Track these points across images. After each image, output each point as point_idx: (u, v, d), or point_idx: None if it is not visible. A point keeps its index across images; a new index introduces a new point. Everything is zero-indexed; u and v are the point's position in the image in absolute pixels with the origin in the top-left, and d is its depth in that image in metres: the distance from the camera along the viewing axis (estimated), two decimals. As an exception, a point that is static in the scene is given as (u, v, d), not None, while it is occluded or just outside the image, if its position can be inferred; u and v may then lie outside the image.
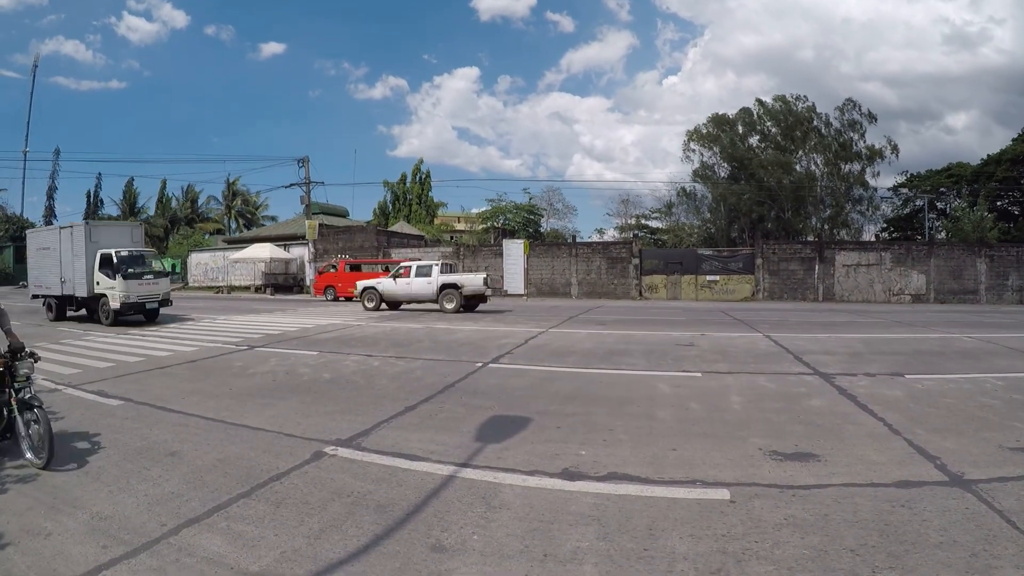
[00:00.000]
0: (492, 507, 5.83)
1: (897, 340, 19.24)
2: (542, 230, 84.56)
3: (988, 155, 72.59)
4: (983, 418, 9.25)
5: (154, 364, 14.46)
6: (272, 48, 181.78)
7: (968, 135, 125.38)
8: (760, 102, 74.11)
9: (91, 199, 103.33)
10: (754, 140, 74.57)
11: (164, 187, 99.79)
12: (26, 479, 6.67)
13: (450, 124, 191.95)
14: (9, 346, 7.49)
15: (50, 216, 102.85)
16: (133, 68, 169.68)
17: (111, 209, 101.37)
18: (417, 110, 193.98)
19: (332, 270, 44.79)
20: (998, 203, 68.21)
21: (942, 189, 74.90)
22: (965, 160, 77.79)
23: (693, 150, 75.75)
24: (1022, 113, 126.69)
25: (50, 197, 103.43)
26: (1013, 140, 71.12)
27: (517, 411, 9.73)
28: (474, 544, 5.06)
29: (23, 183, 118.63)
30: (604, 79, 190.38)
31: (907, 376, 12.70)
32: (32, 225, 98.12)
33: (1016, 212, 67.54)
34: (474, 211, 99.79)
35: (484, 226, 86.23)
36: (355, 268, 44.33)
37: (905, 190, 77.78)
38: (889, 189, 76.56)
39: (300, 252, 57.92)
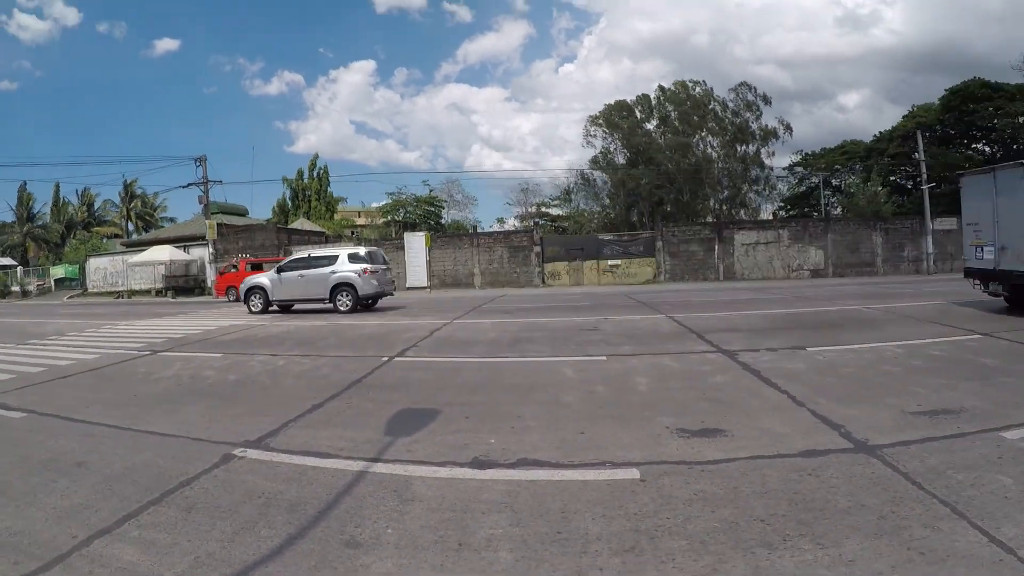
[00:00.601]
0: (404, 500, 5.78)
1: (797, 315, 19.67)
2: (443, 222, 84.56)
3: (880, 132, 75.13)
4: (884, 385, 9.52)
5: (56, 374, 14.06)
6: (166, 45, 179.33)
7: (860, 113, 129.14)
8: (661, 88, 75.10)
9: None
10: (652, 125, 75.40)
11: (58, 190, 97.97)
12: (-75, 498, 6.48)
13: (347, 118, 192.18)
14: None
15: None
16: (24, 68, 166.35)
17: (6, 215, 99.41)
18: (314, 105, 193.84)
19: (233, 270, 44.14)
20: (891, 178, 70.46)
21: (836, 166, 76.89)
22: (858, 138, 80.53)
23: (594, 135, 76.33)
24: (912, 90, 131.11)
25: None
26: (904, 117, 73.56)
27: (425, 404, 9.69)
28: (388, 538, 5.01)
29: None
30: (500, 69, 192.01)
31: (808, 349, 12.99)
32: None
33: (909, 186, 69.71)
34: (374, 205, 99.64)
35: (385, 220, 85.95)
36: (256, 267, 43.65)
37: (800, 168, 79.79)
38: (784, 168, 78.43)
39: (200, 253, 57.22)
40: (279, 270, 29.59)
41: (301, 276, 28.61)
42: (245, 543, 5.01)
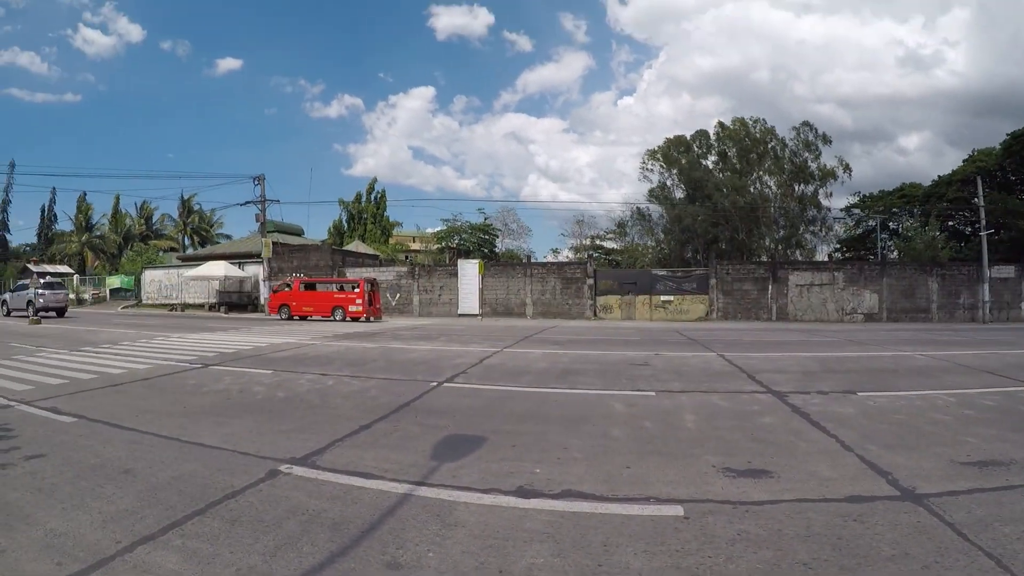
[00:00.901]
0: (447, 525, 5.80)
1: (850, 359, 19.46)
2: (497, 250, 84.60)
3: (939, 176, 73.69)
4: (934, 434, 9.35)
5: (108, 381, 14.29)
6: (229, 64, 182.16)
7: (920, 156, 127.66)
8: (721, 124, 74.80)
9: (45, 213, 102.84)
10: (710, 161, 75.02)
11: (118, 203, 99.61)
12: (-24, 497, 6.58)
13: (405, 143, 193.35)
14: None
15: (3, 230, 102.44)
16: (88, 81, 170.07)
17: (65, 224, 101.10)
18: (372, 129, 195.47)
19: (287, 288, 44.64)
20: (949, 223, 69.20)
21: (894, 209, 75.66)
22: (917, 181, 78.88)
23: (651, 170, 76.10)
24: (973, 134, 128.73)
25: (3, 211, 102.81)
26: (964, 161, 72.36)
27: (472, 430, 9.69)
28: (429, 561, 5.02)
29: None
30: (560, 100, 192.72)
31: (859, 393, 12.82)
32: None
33: (967, 232, 68.39)
34: (429, 231, 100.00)
35: (439, 246, 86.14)
36: (309, 287, 44.28)
37: (858, 210, 78.63)
38: (842, 210, 77.40)
39: (255, 270, 57.77)
40: (11, 290, 48.66)
41: (18, 295, 45.77)
42: (287, 558, 5.06)
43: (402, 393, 12.95)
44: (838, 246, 78.33)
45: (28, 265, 79.79)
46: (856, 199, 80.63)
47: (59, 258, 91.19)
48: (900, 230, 74.02)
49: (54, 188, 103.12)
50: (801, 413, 10.89)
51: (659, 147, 76.51)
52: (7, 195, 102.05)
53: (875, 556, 5.04)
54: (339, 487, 6.91)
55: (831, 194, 72.17)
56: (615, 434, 9.47)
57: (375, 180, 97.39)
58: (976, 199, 52.32)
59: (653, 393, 13.06)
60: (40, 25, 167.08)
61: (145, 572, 4.81)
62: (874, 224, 73.69)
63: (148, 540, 5.39)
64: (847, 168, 71.74)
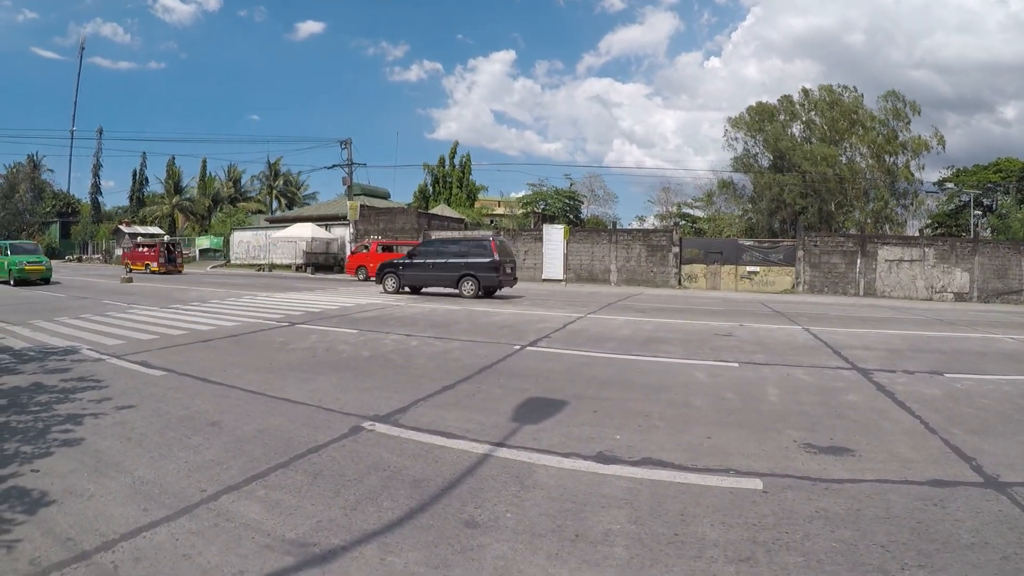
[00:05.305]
0: (526, 487, 5.89)
1: (938, 338, 19.08)
2: (582, 216, 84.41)
3: (1039, 150, 71.27)
4: (1022, 421, 9.13)
5: (197, 337, 14.68)
6: (310, 27, 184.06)
7: (1021, 128, 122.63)
8: (805, 91, 73.08)
9: (137, 177, 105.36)
10: (796, 129, 73.59)
11: (205, 166, 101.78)
12: (71, 443, 6.82)
13: (487, 107, 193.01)
14: None
15: (96, 193, 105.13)
16: (171, 49, 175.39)
17: (156, 187, 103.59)
18: (453, 92, 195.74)
19: (364, 251, 45.25)
20: (1048, 201, 67.11)
21: (989, 185, 73.73)
22: (1015, 155, 76.38)
23: (736, 139, 74.92)
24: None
25: (95, 175, 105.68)
26: (1066, 134, 70.03)
27: (554, 394, 9.78)
28: (507, 522, 5.12)
29: (70, 161, 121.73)
30: (645, 63, 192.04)
31: (947, 375, 12.54)
32: (78, 202, 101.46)
33: (1065, 211, 66.34)
34: (514, 196, 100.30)
35: (524, 211, 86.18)
36: (387, 249, 44.65)
37: (951, 185, 76.69)
38: (935, 183, 75.51)
39: (341, 232, 58.71)
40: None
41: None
42: (366, 512, 5.21)
43: (485, 355, 13.10)
44: (929, 221, 76.67)
45: (120, 227, 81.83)
46: (949, 172, 78.90)
47: (150, 220, 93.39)
48: (994, 207, 72.33)
49: (144, 153, 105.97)
50: (886, 392, 10.71)
51: (742, 115, 75.16)
52: (98, 160, 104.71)
53: (954, 543, 4.97)
54: (420, 445, 7.05)
55: (923, 167, 70.20)
56: (697, 404, 9.47)
57: (456, 144, 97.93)
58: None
59: (736, 364, 12.97)
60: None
61: (228, 520, 4.99)
62: (967, 200, 72.10)
63: (232, 490, 5.60)
64: (941, 140, 69.63)
